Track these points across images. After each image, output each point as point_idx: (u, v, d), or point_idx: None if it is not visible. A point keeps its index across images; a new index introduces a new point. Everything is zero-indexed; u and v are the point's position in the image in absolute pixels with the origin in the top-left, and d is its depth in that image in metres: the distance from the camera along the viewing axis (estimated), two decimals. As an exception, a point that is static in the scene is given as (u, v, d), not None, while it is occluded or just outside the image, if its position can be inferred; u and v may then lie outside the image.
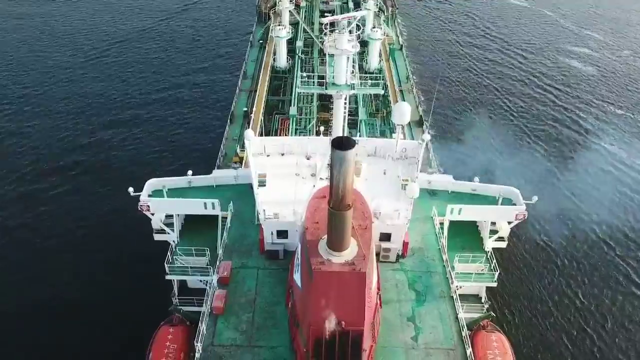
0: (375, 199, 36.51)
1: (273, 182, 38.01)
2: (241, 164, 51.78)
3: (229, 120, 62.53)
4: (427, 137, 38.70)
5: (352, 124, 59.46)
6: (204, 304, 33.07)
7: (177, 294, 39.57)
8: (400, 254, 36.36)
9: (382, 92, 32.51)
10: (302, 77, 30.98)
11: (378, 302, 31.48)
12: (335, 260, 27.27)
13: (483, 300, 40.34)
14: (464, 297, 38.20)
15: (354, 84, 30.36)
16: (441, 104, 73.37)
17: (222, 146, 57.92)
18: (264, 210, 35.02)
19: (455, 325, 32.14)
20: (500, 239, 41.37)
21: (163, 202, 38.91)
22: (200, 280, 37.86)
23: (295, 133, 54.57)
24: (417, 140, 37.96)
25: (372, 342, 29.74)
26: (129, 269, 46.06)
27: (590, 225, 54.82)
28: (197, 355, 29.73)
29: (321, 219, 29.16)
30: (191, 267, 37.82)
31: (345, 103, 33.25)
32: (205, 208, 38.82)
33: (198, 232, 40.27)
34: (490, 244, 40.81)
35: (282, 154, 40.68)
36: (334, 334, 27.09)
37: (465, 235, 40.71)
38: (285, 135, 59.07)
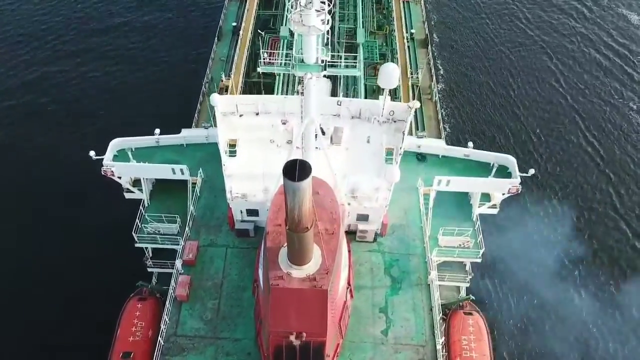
0: (354, 175, 33.56)
1: (244, 150, 34.72)
2: (226, 91, 48.39)
3: (216, 38, 57.16)
4: (416, 104, 34.39)
5: (350, 48, 54.42)
6: (169, 288, 31.74)
7: (150, 256, 38.36)
8: (378, 232, 34.06)
9: (359, 73, 28.08)
10: (263, 57, 26.40)
11: (348, 297, 29.89)
12: (296, 274, 25.18)
13: (467, 269, 38.81)
14: (447, 264, 36.85)
15: (325, 64, 25.81)
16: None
17: (207, 69, 53.44)
18: (231, 190, 32.27)
19: (429, 318, 30.86)
20: (492, 206, 38.74)
21: (128, 167, 36.20)
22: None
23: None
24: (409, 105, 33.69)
25: (339, 340, 28.73)
26: (98, 231, 44.14)
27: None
28: (158, 349, 28.95)
29: (284, 219, 26.48)
30: (161, 235, 36.15)
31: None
32: (174, 173, 36.22)
33: (169, 194, 38.04)
34: (479, 211, 38.32)
35: (257, 114, 36.78)
36: (294, 345, 25.86)
37: (454, 201, 38.01)
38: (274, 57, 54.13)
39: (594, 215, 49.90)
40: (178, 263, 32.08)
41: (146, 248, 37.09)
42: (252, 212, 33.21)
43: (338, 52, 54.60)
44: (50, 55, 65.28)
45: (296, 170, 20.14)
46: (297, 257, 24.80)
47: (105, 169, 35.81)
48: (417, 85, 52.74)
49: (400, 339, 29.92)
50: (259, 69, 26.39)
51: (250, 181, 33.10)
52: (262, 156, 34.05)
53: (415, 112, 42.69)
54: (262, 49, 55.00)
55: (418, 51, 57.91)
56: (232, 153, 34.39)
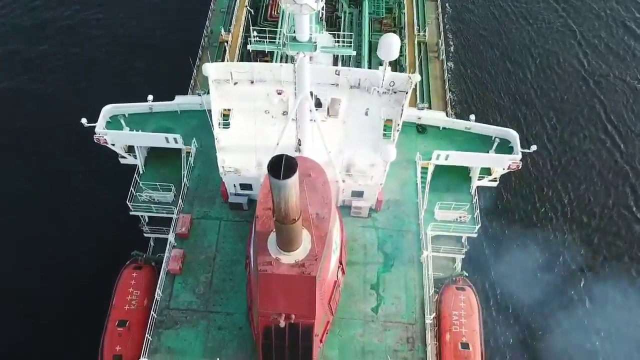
0: (350, 149, 32.82)
1: (238, 121, 33.89)
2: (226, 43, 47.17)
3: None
4: (416, 77, 33.07)
5: (355, 2, 52.28)
6: (163, 262, 31.90)
7: (146, 222, 38.46)
8: (373, 208, 33.70)
9: (353, 53, 26.69)
10: (253, 35, 24.95)
11: (339, 275, 29.96)
12: (285, 259, 25.07)
13: (463, 241, 38.74)
14: (443, 237, 36.84)
15: (316, 44, 24.43)
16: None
17: (207, 21, 51.55)
18: (223, 164, 31.70)
19: (420, 296, 30.98)
20: (493, 180, 38.13)
21: (121, 135, 35.61)
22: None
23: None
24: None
25: (329, 319, 29.09)
26: (92, 199, 43.91)
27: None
28: (151, 322, 29.49)
29: (272, 211, 26.08)
30: (155, 204, 36.07)
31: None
32: (168, 142, 35.67)
33: (164, 161, 37.65)
34: (479, 184, 37.80)
35: (252, 82, 35.59)
36: (283, 326, 26.20)
37: (453, 172, 37.31)
38: (276, 14, 52.04)
39: (606, 211, 47.27)
40: (171, 237, 32.05)
41: (142, 216, 37.09)
42: (246, 186, 32.82)
43: (342, 6, 52.46)
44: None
45: (281, 167, 19.47)
46: (286, 244, 24.63)
47: (98, 136, 35.28)
48: (424, 42, 50.75)
49: (390, 317, 30.23)
50: (249, 47, 25.06)
51: (243, 154, 32.48)
52: (257, 128, 33.18)
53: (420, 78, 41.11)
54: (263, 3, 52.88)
55: (427, 5, 55.28)
56: (226, 125, 33.57)
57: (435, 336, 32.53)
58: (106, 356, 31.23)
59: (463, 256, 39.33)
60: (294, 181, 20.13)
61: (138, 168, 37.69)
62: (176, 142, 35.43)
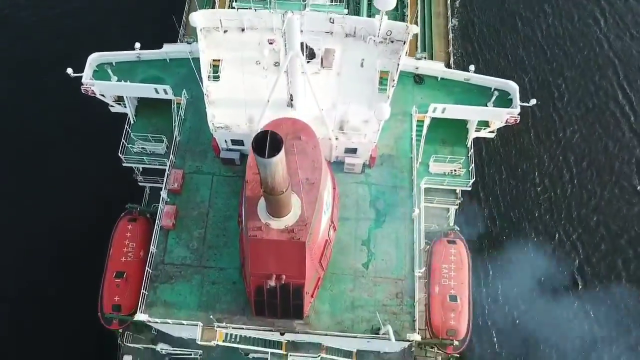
0: (344, 104, 32.00)
1: (228, 73, 32.77)
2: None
3: None
4: (414, 29, 31.52)
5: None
6: (157, 217, 32.11)
7: (140, 171, 38.44)
8: (367, 164, 33.40)
9: (345, 12, 24.99)
10: (238, -7, 23.40)
11: (331, 233, 30.25)
12: (274, 225, 25.18)
13: (457, 192, 38.86)
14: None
15: (305, 2, 22.97)
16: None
17: None
18: (213, 120, 31.02)
19: (410, 252, 31.45)
20: (490, 132, 37.57)
21: (109, 86, 34.65)
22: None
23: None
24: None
25: (320, 275, 29.77)
26: (84, 149, 43.48)
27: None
28: (146, 277, 30.20)
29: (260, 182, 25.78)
30: (147, 155, 35.85)
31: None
32: (157, 93, 34.76)
33: (155, 109, 36.92)
34: (476, 135, 37.32)
35: (243, 30, 34.03)
36: (274, 286, 26.88)
37: (449, 125, 36.69)
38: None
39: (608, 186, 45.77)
40: (163, 193, 32.05)
41: (135, 167, 36.97)
42: (237, 142, 32.33)
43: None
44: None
45: (266, 145, 18.99)
46: (275, 211, 24.63)
47: (85, 87, 34.33)
48: None
49: (380, 272, 30.85)
50: (235, 4, 23.64)
51: (233, 109, 31.65)
52: (248, 80, 32.14)
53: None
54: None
55: None
56: (216, 77, 32.51)
57: (424, 288, 33.55)
58: (106, 306, 32.40)
59: (457, 207, 39.61)
60: (279, 158, 19.73)
61: (129, 118, 37.04)
62: (166, 93, 34.55)
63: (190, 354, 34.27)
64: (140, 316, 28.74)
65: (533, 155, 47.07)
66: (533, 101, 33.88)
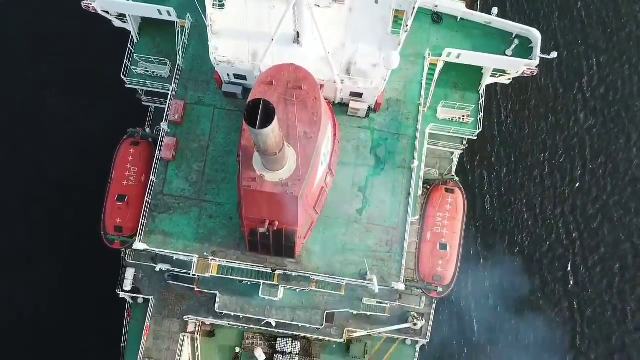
0: (353, 44, 30.52)
1: (233, 1, 30.96)
2: None
3: None
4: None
5: None
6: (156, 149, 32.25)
7: (142, 92, 38.00)
8: (372, 108, 32.60)
9: None
10: None
11: (328, 179, 30.41)
12: (269, 177, 25.29)
13: (463, 140, 38.23)
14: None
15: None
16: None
17: None
18: (215, 53, 29.84)
19: (405, 202, 31.76)
20: (506, 79, 35.99)
21: (111, 3, 33.12)
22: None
23: None
24: None
25: (313, 219, 30.45)
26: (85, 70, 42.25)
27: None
28: (146, 206, 31.07)
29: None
30: (151, 77, 35.18)
31: None
32: (160, 14, 33.28)
33: (158, 28, 35.53)
34: (489, 82, 35.88)
35: (251, -48, 31.53)
36: (267, 230, 27.69)
37: (463, 68, 35.12)
38: None
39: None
40: (164, 124, 31.89)
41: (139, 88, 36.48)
42: (240, 77, 31.41)
43: None
44: None
45: (257, 116, 18.51)
46: (270, 166, 24.59)
47: (86, 3, 32.88)
48: None
49: (373, 219, 31.41)
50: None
51: (237, 41, 30.38)
52: (254, 10, 30.49)
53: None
54: None
55: None
56: (221, 5, 30.77)
57: (417, 233, 34.31)
58: (108, 226, 33.75)
59: (461, 151, 39.14)
60: (271, 128, 19.30)
61: (132, 37, 35.77)
62: (169, 15, 33.02)
63: (189, 273, 36.26)
64: (139, 245, 30.04)
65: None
66: (554, 54, 32.03)
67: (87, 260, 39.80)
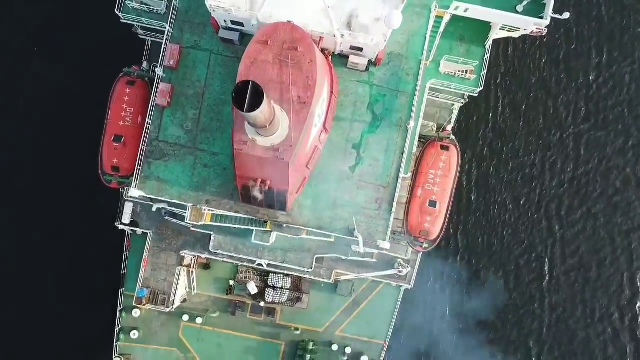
0: (355, -4, 29.08)
1: (233, -60, 29.06)
2: None
3: None
4: None
5: None
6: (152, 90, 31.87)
7: (138, 27, 36.88)
8: (372, 62, 31.73)
9: None
10: None
11: (323, 136, 30.37)
12: (260, 141, 25.36)
13: (464, 95, 37.56)
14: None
15: None
16: None
17: None
18: None
19: (397, 161, 31.94)
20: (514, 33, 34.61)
21: None
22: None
23: None
24: None
25: (305, 175, 30.87)
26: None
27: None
28: (141, 153, 31.39)
29: (257, 79, 24.76)
30: (147, 12, 33.94)
31: None
32: None
33: None
34: (496, 37, 34.60)
35: None
36: (260, 188, 28.24)
37: (471, 20, 33.67)
38: None
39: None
40: (159, 70, 31.26)
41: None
42: (237, 23, 30.27)
43: None
44: None
45: (245, 99, 18.25)
46: (262, 131, 24.53)
47: None
48: None
49: (365, 177, 31.78)
50: None
51: None
52: (253, -48, 28.71)
53: None
54: None
55: None
56: (219, -57, 28.92)
57: (408, 187, 34.83)
58: (105, 166, 34.33)
59: (462, 104, 38.56)
60: (260, 110, 19.07)
61: (126, -32, 33.97)
62: None
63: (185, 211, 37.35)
64: (134, 192, 30.72)
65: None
66: (566, 15, 30.48)
67: (86, 198, 40.81)
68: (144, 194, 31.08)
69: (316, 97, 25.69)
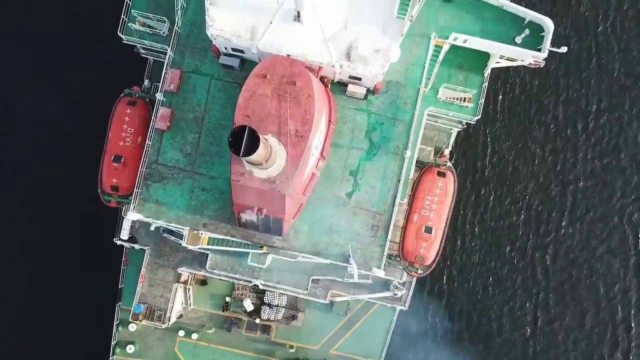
0: (356, 26, 29.41)
1: (235, -30, 29.39)
2: None
3: None
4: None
5: None
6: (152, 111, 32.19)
7: (140, 49, 37.21)
8: (371, 90, 32.05)
9: None
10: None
11: (320, 164, 30.67)
12: (257, 173, 25.71)
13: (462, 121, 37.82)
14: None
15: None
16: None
17: None
18: (212, 26, 28.74)
19: (394, 189, 32.25)
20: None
21: None
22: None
23: None
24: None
25: (302, 202, 31.20)
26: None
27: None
28: (140, 174, 31.72)
29: (255, 112, 25.31)
30: (149, 34, 34.27)
31: None
32: None
33: None
34: (495, 65, 34.86)
35: None
36: (256, 215, 28.56)
37: (470, 48, 33.92)
38: None
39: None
40: (159, 95, 31.60)
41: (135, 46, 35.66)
42: (238, 50, 30.61)
43: None
44: None
45: (242, 142, 18.58)
46: (259, 165, 24.84)
47: None
48: None
49: (361, 204, 32.11)
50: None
51: (236, 14, 29.23)
52: (255, -18, 29.03)
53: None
54: None
55: None
56: (221, -29, 29.26)
57: (404, 213, 35.13)
58: (105, 185, 34.67)
59: (459, 129, 38.84)
60: (256, 154, 19.39)
61: (130, -11, 34.29)
62: None
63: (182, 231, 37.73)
64: (132, 215, 31.04)
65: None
66: (564, 48, 30.78)
67: (86, 217, 41.24)
68: (142, 217, 31.36)
69: (313, 131, 26.02)
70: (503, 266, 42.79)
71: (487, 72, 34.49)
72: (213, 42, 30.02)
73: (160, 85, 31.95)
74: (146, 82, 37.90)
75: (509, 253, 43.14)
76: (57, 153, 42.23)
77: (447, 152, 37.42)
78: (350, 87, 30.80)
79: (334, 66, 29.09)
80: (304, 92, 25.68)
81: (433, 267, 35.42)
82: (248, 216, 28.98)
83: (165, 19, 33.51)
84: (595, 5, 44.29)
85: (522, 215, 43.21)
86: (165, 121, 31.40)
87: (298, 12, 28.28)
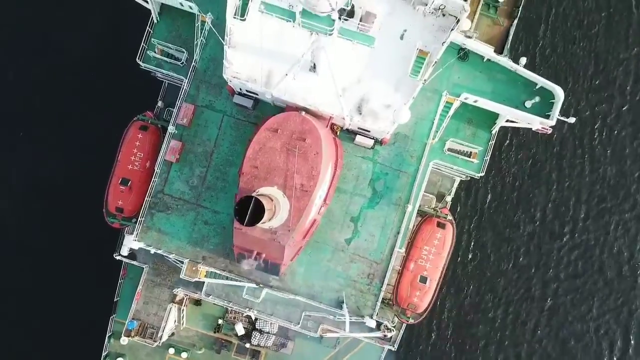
0: (369, 81, 29.92)
1: (256, 14, 29.86)
2: None
3: None
4: (467, 24, 27.51)
5: None
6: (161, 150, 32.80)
7: (156, 73, 37.72)
8: (378, 141, 32.55)
9: (373, 44, 21.31)
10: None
11: (322, 210, 31.20)
12: (260, 224, 26.13)
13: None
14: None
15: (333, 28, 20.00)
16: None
17: None
18: (229, 69, 29.24)
19: (393, 239, 32.76)
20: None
21: None
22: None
23: None
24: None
25: (301, 245, 31.71)
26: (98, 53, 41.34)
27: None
28: (145, 203, 32.32)
29: (263, 163, 25.84)
30: (166, 61, 34.82)
31: None
32: (182, 6, 32.33)
33: (180, 13, 34.55)
34: (503, 124, 35.24)
35: (283, -36, 29.88)
36: (255, 258, 29.14)
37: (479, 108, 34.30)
38: None
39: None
40: (171, 128, 32.18)
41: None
42: (252, 92, 31.15)
43: None
44: None
45: (246, 215, 19.15)
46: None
47: None
48: None
49: (359, 251, 32.62)
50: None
51: (253, 58, 29.76)
52: (275, 28, 29.56)
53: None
54: None
55: None
56: (243, 17, 29.77)
57: (401, 259, 35.59)
58: (110, 207, 35.27)
59: (463, 178, 39.22)
60: (260, 223, 19.93)
61: (152, 17, 34.85)
62: (191, 8, 32.07)
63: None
64: (134, 244, 31.63)
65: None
66: (572, 119, 31.20)
67: (89, 233, 41.92)
68: (143, 245, 31.95)
69: (318, 186, 26.53)
70: (493, 322, 43.32)
71: (495, 130, 34.88)
72: (228, 83, 30.53)
73: (172, 119, 32.47)
74: (160, 103, 38.47)
75: (500, 307, 43.63)
76: (64, 171, 42.91)
77: (448, 198, 37.78)
78: (359, 138, 31.33)
79: (344, 118, 29.56)
80: (313, 149, 26.22)
81: (424, 315, 35.86)
82: (247, 261, 29.50)
83: (184, 50, 34.03)
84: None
85: (517, 267, 43.66)
86: (175, 154, 32.00)
87: (314, 64, 28.78)
